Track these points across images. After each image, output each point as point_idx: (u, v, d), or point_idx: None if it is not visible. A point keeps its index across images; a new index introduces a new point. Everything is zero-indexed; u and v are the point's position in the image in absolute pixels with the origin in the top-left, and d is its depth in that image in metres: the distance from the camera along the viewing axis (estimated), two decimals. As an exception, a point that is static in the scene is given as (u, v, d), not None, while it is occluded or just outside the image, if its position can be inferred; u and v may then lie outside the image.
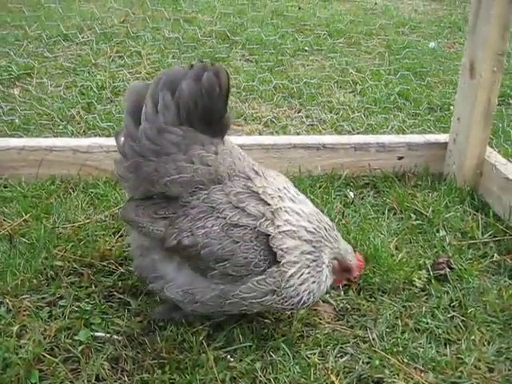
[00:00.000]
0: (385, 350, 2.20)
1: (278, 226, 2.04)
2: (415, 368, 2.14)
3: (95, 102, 4.21)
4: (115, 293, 2.44)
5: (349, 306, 2.45)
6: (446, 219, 3.04)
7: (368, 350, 2.22)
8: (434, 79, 5.07)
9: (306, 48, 5.81)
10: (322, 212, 2.21)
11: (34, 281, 2.46)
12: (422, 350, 2.21)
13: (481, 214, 3.10)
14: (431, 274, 2.62)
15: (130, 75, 4.76)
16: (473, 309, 2.43)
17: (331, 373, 2.09)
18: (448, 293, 2.53)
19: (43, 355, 2.10)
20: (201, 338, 2.19)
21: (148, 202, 2.18)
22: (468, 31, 3.26)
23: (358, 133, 4.02)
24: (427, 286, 2.57)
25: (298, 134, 4.03)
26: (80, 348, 2.13)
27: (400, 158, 3.53)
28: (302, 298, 2.09)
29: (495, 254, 2.79)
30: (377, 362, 2.13)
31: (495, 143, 3.70)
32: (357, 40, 6.03)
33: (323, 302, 2.45)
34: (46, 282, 2.48)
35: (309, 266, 2.07)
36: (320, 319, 2.36)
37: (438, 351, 2.23)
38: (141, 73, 4.85)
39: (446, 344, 2.28)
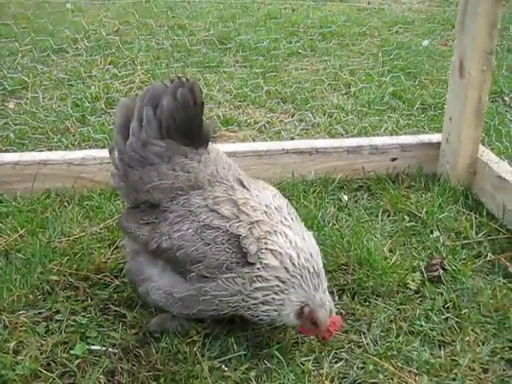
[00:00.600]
0: (379, 355, 2.21)
1: (266, 243, 2.05)
2: (409, 371, 2.15)
3: (89, 113, 4.24)
4: (111, 305, 2.46)
5: (343, 311, 2.46)
6: (440, 220, 3.05)
7: (362, 355, 2.23)
8: (427, 78, 5.08)
9: (300, 51, 5.83)
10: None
11: (31, 296, 2.48)
12: (416, 353, 2.22)
13: (475, 214, 3.11)
14: (425, 275, 2.63)
15: (124, 85, 4.78)
16: (467, 310, 2.44)
17: (326, 379, 2.10)
18: (442, 294, 2.54)
19: (40, 371, 2.11)
20: (195, 349, 2.21)
21: (136, 210, 2.35)
22: (457, 30, 3.27)
23: (351, 135, 4.03)
24: (421, 288, 2.58)
25: (292, 138, 4.05)
26: (76, 362, 2.15)
27: (393, 160, 3.53)
28: (258, 315, 2.11)
29: (489, 254, 2.80)
30: (371, 367, 2.14)
31: (488, 141, 3.71)
32: (350, 41, 6.04)
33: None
34: (43, 297, 2.49)
35: (276, 293, 2.06)
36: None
37: (432, 354, 2.23)
38: (134, 82, 4.87)
39: (440, 346, 2.29)
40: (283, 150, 3.42)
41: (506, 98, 4.78)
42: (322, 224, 2.95)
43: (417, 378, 2.12)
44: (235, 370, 2.14)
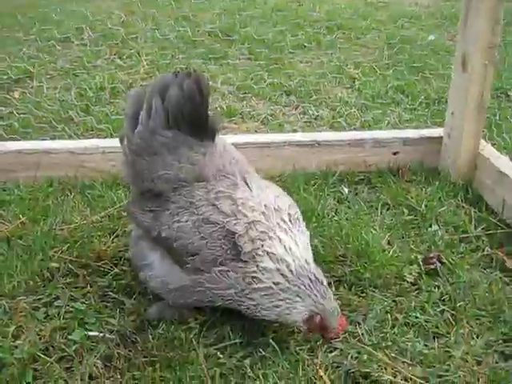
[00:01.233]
0: (373, 345, 2.22)
1: (263, 245, 2.05)
2: (403, 362, 2.16)
3: (93, 103, 4.26)
4: (110, 292, 2.48)
5: (340, 302, 2.46)
6: (439, 214, 3.06)
7: (357, 345, 2.24)
8: (432, 73, 5.06)
9: (305, 44, 5.83)
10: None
11: (31, 282, 2.50)
12: (410, 344, 2.23)
13: (474, 208, 3.11)
14: (422, 268, 2.64)
15: (129, 76, 4.80)
16: (462, 302, 2.45)
17: (319, 368, 2.12)
18: (438, 287, 2.55)
19: (38, 355, 2.14)
20: (191, 336, 2.23)
21: (142, 197, 2.38)
22: (460, 25, 3.26)
23: (354, 129, 4.04)
24: (418, 281, 2.58)
25: (295, 131, 4.06)
26: (74, 347, 2.18)
27: (395, 154, 3.54)
28: (263, 318, 2.13)
29: (487, 248, 2.80)
30: (365, 357, 2.16)
31: (489, 136, 3.70)
32: (355, 35, 6.02)
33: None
34: (43, 284, 2.52)
35: (277, 300, 2.06)
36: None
37: (426, 345, 2.24)
38: (139, 73, 4.89)
39: (434, 338, 2.29)
40: (285, 142, 3.43)
41: (511, 93, 4.76)
42: (321, 216, 2.96)
43: (410, 368, 2.14)
44: (230, 357, 2.16)
